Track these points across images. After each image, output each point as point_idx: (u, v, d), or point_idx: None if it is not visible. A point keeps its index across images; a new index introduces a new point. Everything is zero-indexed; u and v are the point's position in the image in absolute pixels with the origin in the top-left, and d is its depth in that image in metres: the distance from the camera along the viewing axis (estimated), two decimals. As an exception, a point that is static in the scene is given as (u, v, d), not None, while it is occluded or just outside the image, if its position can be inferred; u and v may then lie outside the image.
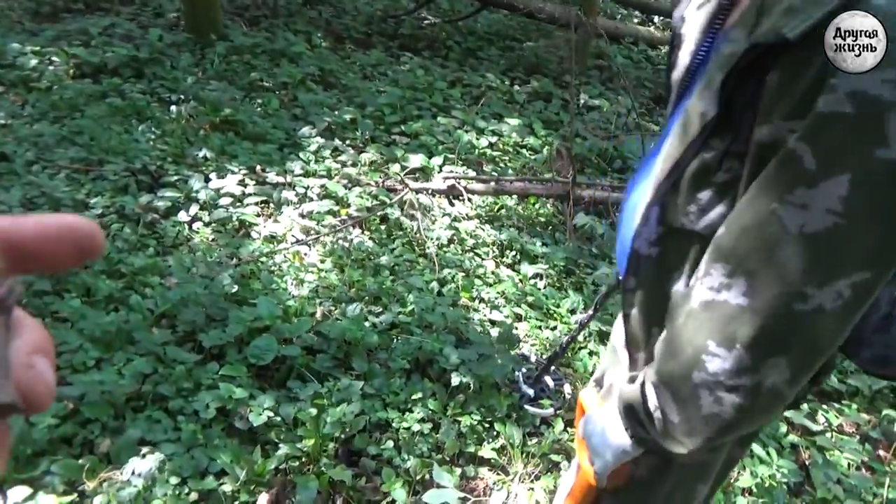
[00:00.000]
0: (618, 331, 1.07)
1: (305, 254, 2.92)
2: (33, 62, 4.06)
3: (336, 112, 4.13)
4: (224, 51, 4.67)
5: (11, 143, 3.30)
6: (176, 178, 3.23)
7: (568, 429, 2.19)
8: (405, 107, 4.38)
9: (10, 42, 4.24)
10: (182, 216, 3.00)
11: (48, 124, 3.55)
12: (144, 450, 1.85)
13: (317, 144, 3.72)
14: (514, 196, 3.49)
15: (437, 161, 3.72)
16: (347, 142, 3.88)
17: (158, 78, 4.27)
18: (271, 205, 3.23)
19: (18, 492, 1.71)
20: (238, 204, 3.16)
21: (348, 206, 3.24)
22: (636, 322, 0.92)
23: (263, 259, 2.82)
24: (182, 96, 4.08)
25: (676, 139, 0.80)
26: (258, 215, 3.13)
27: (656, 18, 6.76)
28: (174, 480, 1.81)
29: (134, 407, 2.07)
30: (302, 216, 3.15)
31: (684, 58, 0.88)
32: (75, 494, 1.78)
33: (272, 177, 3.38)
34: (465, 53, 5.61)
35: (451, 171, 3.63)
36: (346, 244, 2.99)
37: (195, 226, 2.99)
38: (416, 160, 3.66)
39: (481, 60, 5.51)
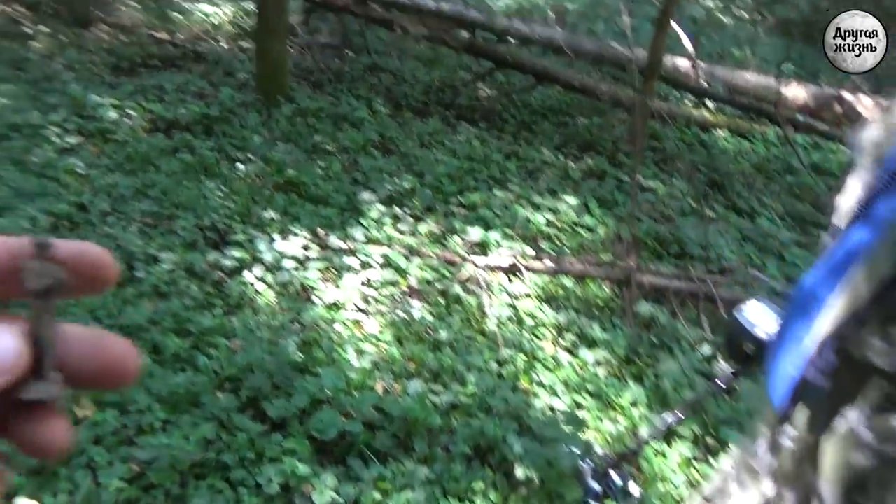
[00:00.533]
0: (761, 456, 1.02)
1: (366, 324, 2.92)
2: (112, 115, 4.24)
3: (396, 179, 4.21)
4: (290, 112, 4.83)
5: (88, 193, 3.42)
6: (242, 237, 3.30)
7: (635, 533, 2.11)
8: (462, 177, 4.44)
9: (91, 94, 4.44)
10: (247, 276, 3.04)
11: (123, 176, 3.68)
12: (214, 527, 1.82)
13: (378, 212, 3.78)
14: (570, 277, 3.48)
15: (494, 235, 3.75)
16: (406, 209, 3.94)
17: (227, 136, 4.42)
18: (332, 270, 3.27)
19: (85, 559, 1.69)
20: (300, 267, 3.20)
21: (408, 276, 3.26)
22: (789, 454, 0.88)
23: (324, 326, 2.84)
24: (250, 155, 4.20)
25: (864, 273, 0.77)
26: (320, 280, 3.16)
27: (709, 102, 6.83)
28: (237, 559, 1.78)
29: (196, 474, 2.06)
30: (363, 284, 3.18)
31: (855, 185, 0.88)
32: (137, 565, 1.76)
33: (334, 241, 3.43)
34: (519, 126, 5.71)
35: (510, 247, 3.65)
36: (405, 316, 3.00)
37: (258, 286, 3.03)
38: (475, 233, 3.69)
39: (536, 134, 5.60)
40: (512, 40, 6.67)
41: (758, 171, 5.61)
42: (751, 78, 7.08)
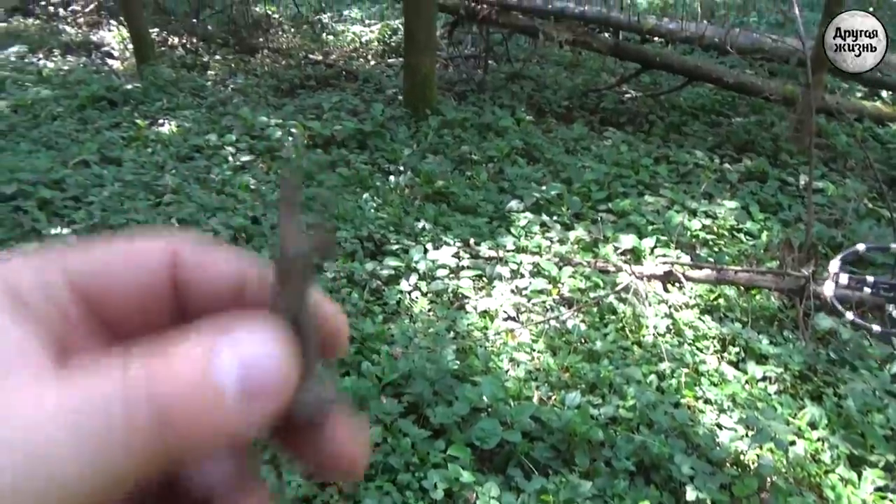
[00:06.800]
0: None
1: (519, 333, 2.93)
2: (277, 134, 4.58)
3: (543, 187, 4.18)
4: (437, 124, 4.96)
5: (260, 207, 3.71)
6: (397, 246, 3.42)
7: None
8: (611, 183, 4.34)
9: (260, 116, 4.82)
10: (404, 285, 3.15)
11: (288, 191, 3.95)
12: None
13: (526, 219, 3.77)
14: (734, 286, 3.27)
15: (647, 243, 3.61)
16: (555, 217, 3.90)
17: (379, 150, 4.62)
18: (484, 278, 3.30)
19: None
20: (453, 276, 3.26)
21: (561, 285, 3.22)
22: None
23: (478, 334, 2.87)
24: (401, 167, 4.36)
25: None
26: (472, 289, 3.21)
27: (884, 93, 6.19)
28: (407, 560, 1.84)
29: (366, 475, 2.15)
30: (513, 292, 3.19)
31: None
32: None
33: (484, 250, 3.47)
34: (668, 128, 5.48)
35: (664, 255, 3.50)
36: (558, 325, 2.96)
37: (414, 294, 3.13)
38: (628, 241, 3.58)
39: (686, 136, 5.35)
40: (657, 39, 6.44)
41: (948, 167, 5.00)
42: (936, 63, 6.33)
